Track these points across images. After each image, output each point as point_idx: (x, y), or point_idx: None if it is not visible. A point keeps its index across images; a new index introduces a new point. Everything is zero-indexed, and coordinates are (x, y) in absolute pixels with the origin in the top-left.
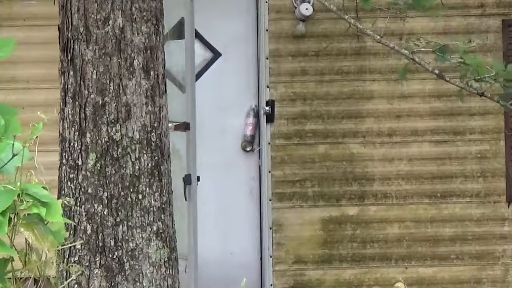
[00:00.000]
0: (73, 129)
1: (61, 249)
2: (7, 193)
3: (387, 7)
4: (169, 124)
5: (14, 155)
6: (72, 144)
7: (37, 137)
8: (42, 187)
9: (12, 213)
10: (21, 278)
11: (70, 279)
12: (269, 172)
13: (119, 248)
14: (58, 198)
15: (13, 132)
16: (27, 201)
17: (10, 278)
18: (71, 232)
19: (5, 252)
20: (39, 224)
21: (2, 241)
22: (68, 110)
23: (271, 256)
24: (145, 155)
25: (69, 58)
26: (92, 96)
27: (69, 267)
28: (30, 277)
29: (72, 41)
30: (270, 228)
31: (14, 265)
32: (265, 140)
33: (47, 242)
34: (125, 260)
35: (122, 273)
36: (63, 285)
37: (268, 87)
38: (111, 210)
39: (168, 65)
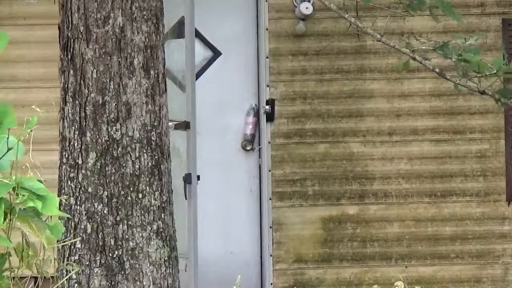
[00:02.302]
0: (73, 128)
1: (61, 248)
2: (2, 186)
3: (387, 5)
4: (169, 123)
5: (9, 149)
6: (72, 143)
7: (31, 130)
8: (38, 180)
9: (7, 207)
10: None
11: (67, 276)
12: (269, 171)
13: (119, 247)
14: (58, 197)
15: (8, 126)
16: (23, 195)
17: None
18: (71, 231)
19: (2, 243)
20: (35, 218)
21: None
22: (68, 109)
23: (271, 255)
24: (145, 154)
25: (69, 57)
26: (92, 95)
27: (68, 265)
28: (29, 275)
29: (72, 40)
30: (270, 227)
31: (12, 264)
32: (265, 139)
33: (44, 236)
34: (125, 259)
35: (122, 272)
36: (60, 282)
37: (268, 86)
38: (111, 209)
39: (168, 64)
